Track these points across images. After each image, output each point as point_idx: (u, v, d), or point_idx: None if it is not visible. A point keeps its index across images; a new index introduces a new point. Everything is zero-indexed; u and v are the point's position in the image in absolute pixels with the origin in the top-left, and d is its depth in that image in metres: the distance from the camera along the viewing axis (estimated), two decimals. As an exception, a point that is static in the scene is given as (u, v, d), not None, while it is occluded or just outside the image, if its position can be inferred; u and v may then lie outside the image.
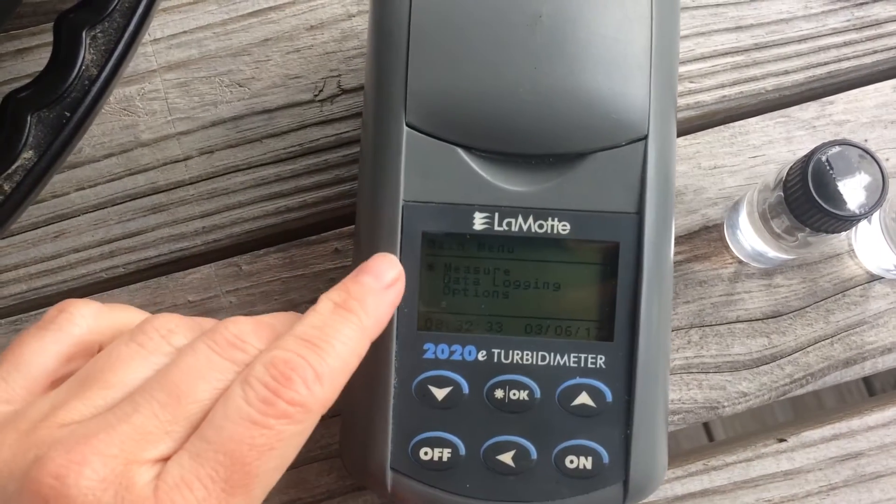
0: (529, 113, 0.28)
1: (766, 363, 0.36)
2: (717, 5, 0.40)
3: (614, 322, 0.29)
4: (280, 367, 0.23)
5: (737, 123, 0.39)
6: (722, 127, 0.39)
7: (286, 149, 0.38)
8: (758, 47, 0.40)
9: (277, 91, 0.38)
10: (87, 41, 0.29)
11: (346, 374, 0.24)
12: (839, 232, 0.31)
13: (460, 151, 0.29)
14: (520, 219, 0.29)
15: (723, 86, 0.39)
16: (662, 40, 0.29)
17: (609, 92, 0.28)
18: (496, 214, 0.29)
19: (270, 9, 0.39)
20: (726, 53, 0.40)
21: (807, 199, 0.30)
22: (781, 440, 0.36)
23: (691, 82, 0.39)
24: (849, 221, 0.30)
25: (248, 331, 0.24)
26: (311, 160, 0.38)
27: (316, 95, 0.38)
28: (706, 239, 0.38)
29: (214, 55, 0.38)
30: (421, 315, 0.29)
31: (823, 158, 0.30)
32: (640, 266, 0.29)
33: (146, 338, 0.24)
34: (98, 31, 0.29)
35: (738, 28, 0.40)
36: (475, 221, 0.29)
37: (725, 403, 0.36)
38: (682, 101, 0.39)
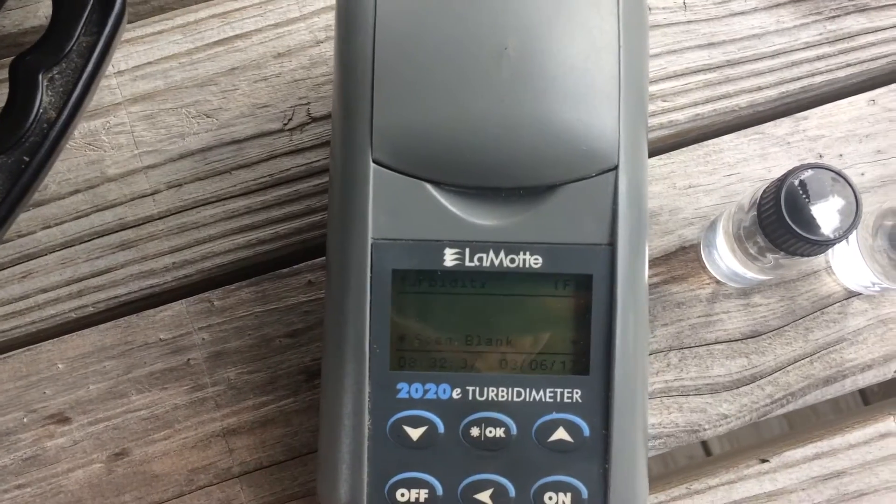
0: (497, 146, 0.28)
1: (747, 384, 0.36)
2: (689, 22, 0.40)
3: (590, 355, 0.28)
4: None
5: (711, 141, 0.39)
6: (696, 146, 0.39)
7: (256, 180, 0.37)
8: (730, 64, 0.40)
9: (246, 121, 0.38)
10: (45, 83, 0.29)
11: None
12: (813, 255, 0.31)
13: (429, 187, 0.28)
14: (491, 254, 0.28)
15: (696, 104, 0.39)
16: (631, 68, 0.29)
17: (578, 123, 0.28)
18: (467, 250, 0.28)
19: (237, 37, 0.39)
20: (698, 71, 0.39)
21: (780, 224, 0.30)
22: (764, 461, 0.36)
23: (664, 101, 0.39)
24: (823, 245, 0.30)
25: None
26: (282, 191, 0.37)
27: (285, 124, 0.38)
28: (683, 260, 0.37)
29: (180, 86, 0.38)
30: (393, 354, 0.28)
31: (796, 182, 0.30)
32: (613, 297, 0.28)
33: None
34: (55, 72, 0.29)
35: (710, 45, 0.40)
36: (446, 257, 0.28)
37: (706, 426, 0.36)
38: (654, 121, 0.39)
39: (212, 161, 0.37)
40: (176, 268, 0.36)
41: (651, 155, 0.38)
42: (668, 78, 0.39)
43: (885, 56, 0.40)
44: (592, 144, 0.28)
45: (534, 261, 0.28)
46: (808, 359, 0.36)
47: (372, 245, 0.28)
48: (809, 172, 0.30)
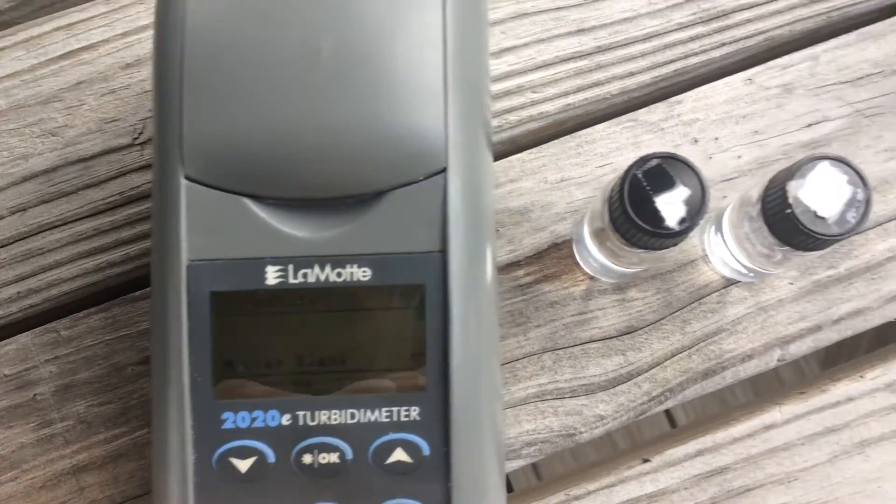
0: (315, 154, 0.26)
1: (623, 382, 0.35)
2: (559, 8, 0.39)
3: (426, 370, 0.27)
4: None
5: (583, 132, 0.37)
6: (568, 137, 0.37)
7: (105, 199, 0.35)
8: (601, 50, 0.38)
9: (93, 137, 0.36)
10: None
11: None
12: (664, 249, 0.29)
13: (246, 201, 0.27)
14: (316, 269, 0.27)
15: (566, 93, 0.38)
16: (459, 64, 0.27)
17: (400, 125, 0.26)
18: (290, 266, 0.27)
19: (83, 49, 0.37)
20: (569, 59, 0.38)
21: (626, 219, 0.28)
22: (646, 461, 0.34)
23: (533, 92, 0.38)
24: (669, 238, 0.28)
25: None
26: (132, 209, 0.35)
27: (135, 139, 0.36)
28: (556, 257, 0.36)
29: (23, 104, 0.36)
30: (216, 382, 0.26)
31: (639, 174, 0.28)
32: (447, 307, 0.27)
33: None
34: None
35: (581, 31, 0.38)
36: (267, 276, 0.27)
37: (583, 429, 0.34)
38: (523, 113, 0.37)
39: (57, 182, 0.35)
40: (21, 297, 0.34)
41: (521, 150, 0.37)
42: (538, 68, 0.38)
43: (762, 32, 0.39)
44: (418, 146, 0.27)
45: (362, 273, 0.27)
46: (686, 352, 0.35)
47: (187, 267, 0.26)
48: (652, 163, 0.28)
